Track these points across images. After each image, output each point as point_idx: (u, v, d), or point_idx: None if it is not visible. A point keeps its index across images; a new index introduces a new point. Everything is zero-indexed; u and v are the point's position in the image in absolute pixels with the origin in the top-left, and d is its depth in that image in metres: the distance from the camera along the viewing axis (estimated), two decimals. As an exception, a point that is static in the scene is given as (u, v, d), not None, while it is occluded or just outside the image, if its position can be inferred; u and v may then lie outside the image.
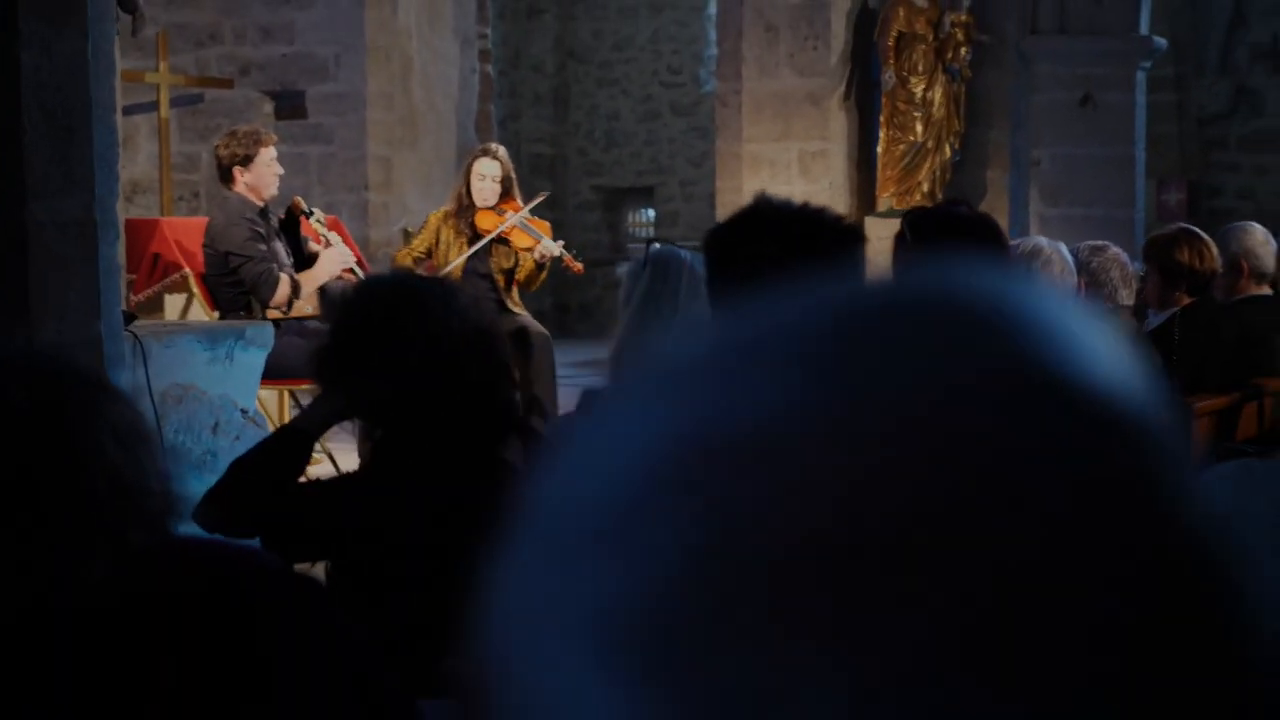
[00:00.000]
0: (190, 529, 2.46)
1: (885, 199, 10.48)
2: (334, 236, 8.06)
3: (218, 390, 6.07)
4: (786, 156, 10.71)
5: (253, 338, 6.58)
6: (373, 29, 12.81)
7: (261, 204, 7.75)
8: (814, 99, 10.70)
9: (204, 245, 7.82)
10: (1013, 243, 4.92)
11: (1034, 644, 0.39)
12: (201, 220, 8.48)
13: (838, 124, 10.75)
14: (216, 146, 7.87)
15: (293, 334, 7.27)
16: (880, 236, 6.84)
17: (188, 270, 7.98)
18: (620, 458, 0.43)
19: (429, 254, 8.25)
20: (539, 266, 8.27)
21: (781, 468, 0.40)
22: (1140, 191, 10.89)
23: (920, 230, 3.68)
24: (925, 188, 10.40)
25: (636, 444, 0.43)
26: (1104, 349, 0.43)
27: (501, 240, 8.23)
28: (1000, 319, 0.43)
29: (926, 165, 10.45)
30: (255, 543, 3.00)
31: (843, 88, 10.77)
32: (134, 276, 7.87)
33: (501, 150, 8.59)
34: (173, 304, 8.08)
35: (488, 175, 8.27)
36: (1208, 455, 5.13)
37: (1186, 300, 5.96)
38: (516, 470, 3.23)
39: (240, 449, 5.38)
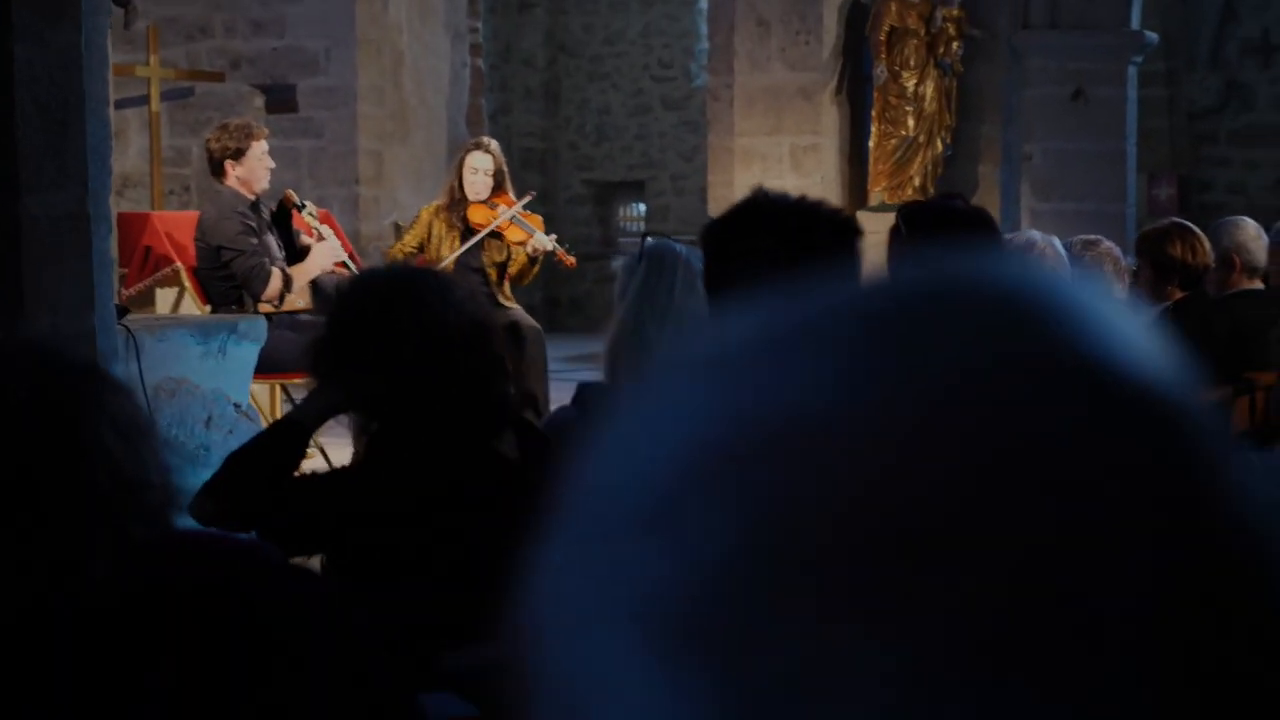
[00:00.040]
0: (186, 523, 2.46)
1: (877, 193, 10.48)
2: (326, 230, 8.05)
3: (210, 384, 6.07)
4: (778, 151, 10.70)
5: (245, 332, 6.58)
6: (363, 23, 12.80)
7: (253, 197, 7.74)
8: (806, 93, 10.70)
9: (195, 239, 7.81)
10: (1006, 237, 4.92)
11: (1076, 629, 0.39)
12: (193, 214, 8.46)
13: (829, 118, 10.75)
14: (208, 140, 7.86)
15: (284, 328, 7.26)
16: (872, 231, 6.82)
17: (179, 264, 7.97)
18: (664, 445, 0.43)
19: (421, 249, 8.23)
20: (531, 260, 8.26)
21: (824, 455, 0.40)
22: (1131, 186, 10.90)
23: (915, 224, 3.68)
24: (917, 182, 10.40)
25: (680, 432, 0.43)
26: (1136, 335, 0.43)
27: (494, 234, 8.22)
28: (1035, 307, 0.43)
29: (918, 160, 10.45)
30: (252, 536, 3.00)
31: (834, 82, 10.76)
32: (125, 270, 7.86)
33: (494, 144, 8.58)
34: (164, 298, 8.06)
35: (480, 169, 8.26)
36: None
37: (1179, 295, 5.98)
38: (512, 463, 3.23)
39: (233, 443, 5.38)
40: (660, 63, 19.22)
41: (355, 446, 6.42)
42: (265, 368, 6.94)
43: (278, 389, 7.78)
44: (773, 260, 2.42)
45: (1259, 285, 6.42)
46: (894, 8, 10.51)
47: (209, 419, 5.98)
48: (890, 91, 10.54)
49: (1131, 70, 10.82)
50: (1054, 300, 0.43)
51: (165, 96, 11.84)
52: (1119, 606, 0.39)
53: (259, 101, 12.84)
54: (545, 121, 19.33)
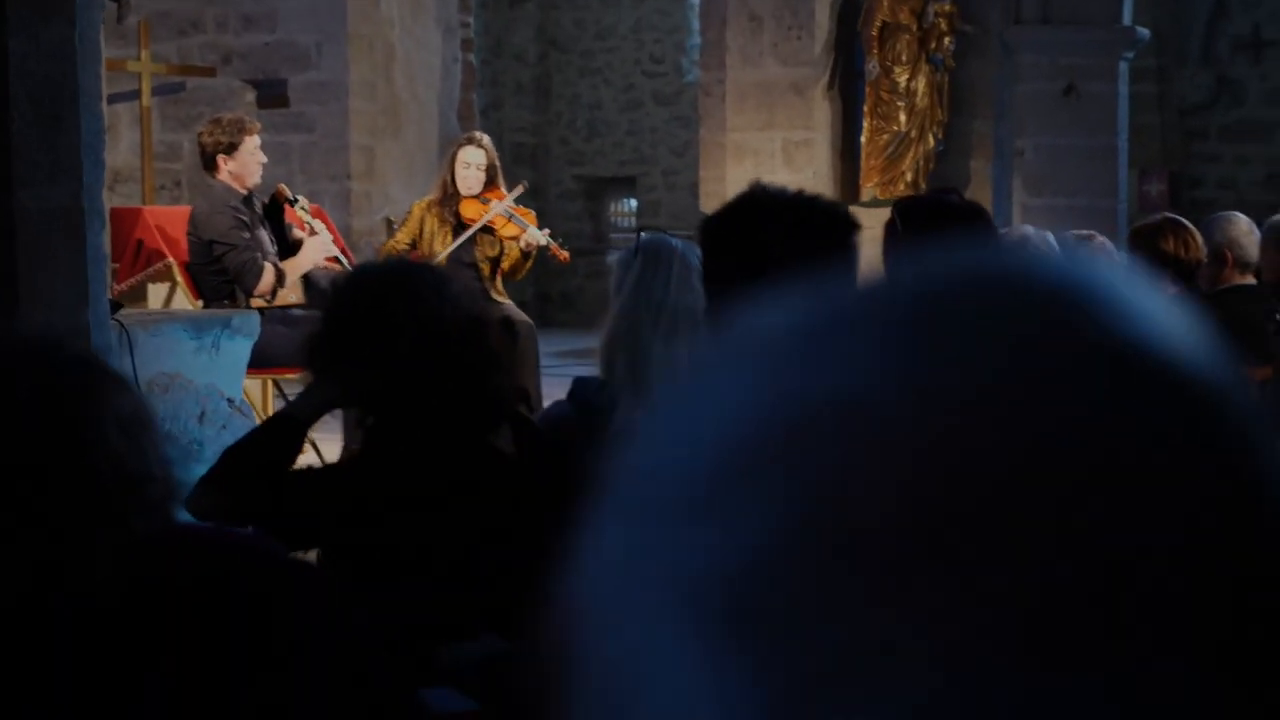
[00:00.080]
0: (183, 517, 2.45)
1: (869, 188, 10.49)
2: (319, 224, 8.04)
3: (204, 379, 6.06)
4: (770, 146, 10.71)
5: (239, 326, 6.57)
6: (355, 17, 12.79)
7: (245, 192, 7.73)
8: (798, 89, 10.70)
9: (187, 233, 7.80)
10: (999, 232, 4.93)
11: (1125, 612, 0.39)
12: (184, 209, 8.45)
13: (822, 114, 10.75)
14: (200, 134, 7.85)
15: (277, 323, 7.26)
16: (865, 226, 6.82)
17: (171, 259, 7.95)
18: (711, 430, 0.43)
19: (414, 245, 8.22)
20: (525, 255, 8.25)
21: (870, 440, 0.41)
22: (1123, 182, 10.91)
23: (911, 219, 3.68)
24: (909, 177, 10.41)
25: (727, 417, 0.43)
26: (1173, 320, 0.44)
27: (487, 229, 8.21)
28: (1075, 291, 0.43)
29: (910, 155, 10.46)
30: (251, 531, 3.00)
31: (826, 77, 10.77)
32: (116, 265, 7.85)
33: (486, 139, 8.57)
34: (155, 293, 8.05)
35: (473, 164, 8.25)
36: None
37: (1171, 289, 5.99)
38: (508, 458, 3.24)
39: (226, 438, 5.37)
40: (652, 58, 19.21)
41: (346, 441, 6.42)
42: (257, 363, 6.93)
43: (270, 384, 7.77)
44: (771, 254, 2.42)
45: (1251, 280, 6.43)
46: (886, 3, 10.51)
47: (202, 414, 5.97)
48: (882, 87, 10.54)
49: (1123, 66, 10.83)
50: (1093, 285, 0.43)
51: (156, 91, 11.82)
52: (1160, 588, 0.39)
53: (250, 96, 12.83)
54: (536, 117, 19.32)
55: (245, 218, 7.64)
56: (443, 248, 8.05)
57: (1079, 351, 0.42)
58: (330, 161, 12.72)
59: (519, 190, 8.47)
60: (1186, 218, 6.46)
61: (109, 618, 1.63)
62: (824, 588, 0.40)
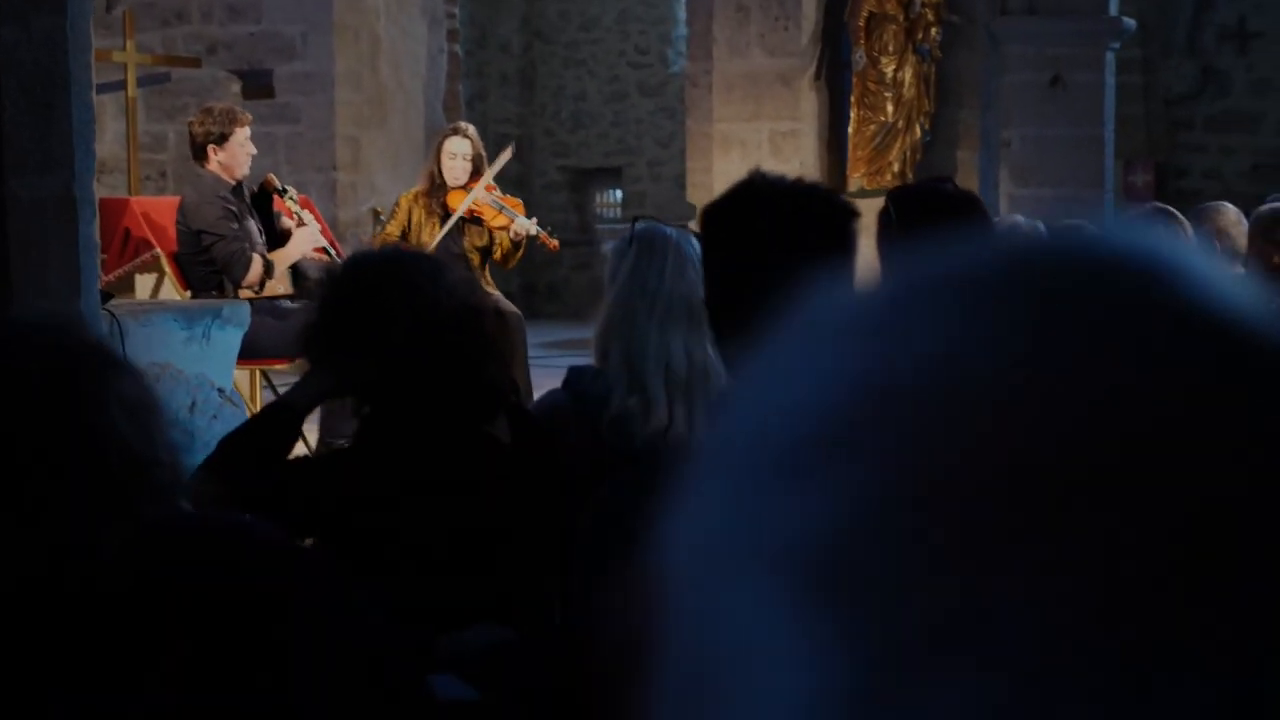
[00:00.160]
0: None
1: (856, 179, 10.48)
2: (307, 215, 8.04)
3: (194, 369, 6.06)
4: (757, 137, 10.70)
5: (229, 317, 6.57)
6: (340, 8, 12.77)
7: (234, 182, 7.72)
8: (785, 79, 10.69)
9: (176, 222, 7.78)
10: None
11: (1221, 577, 0.39)
12: (172, 199, 8.44)
13: (809, 104, 10.75)
14: (191, 123, 7.83)
15: (265, 314, 7.25)
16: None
17: (159, 250, 7.94)
18: (807, 394, 0.44)
19: (404, 236, 8.22)
20: (515, 245, 8.26)
21: (971, 406, 0.41)
22: (1109, 172, 10.94)
23: (905, 207, 3.69)
24: (896, 168, 10.41)
25: (822, 382, 0.44)
26: (1246, 295, 0.44)
27: (475, 219, 8.22)
28: (1163, 264, 0.44)
29: (897, 145, 10.46)
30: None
31: (813, 68, 10.76)
32: (104, 256, 7.83)
33: (471, 129, 8.57)
34: (143, 283, 8.04)
35: (458, 154, 8.25)
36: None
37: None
38: (504, 447, 3.24)
39: (217, 428, 5.37)
40: (637, 49, 19.20)
41: (322, 434, 6.41)
42: (246, 354, 6.93)
43: (258, 375, 7.77)
44: (770, 242, 2.42)
45: (1240, 270, 6.45)
46: (873, -7, 10.52)
47: (193, 404, 5.96)
48: (869, 77, 10.54)
49: (1109, 56, 10.85)
50: (1171, 257, 0.44)
51: (142, 82, 11.80)
52: (1255, 567, 0.39)
53: (236, 87, 12.81)
54: (521, 108, 19.30)
55: (234, 208, 7.63)
56: (430, 239, 8.05)
57: (1168, 320, 0.42)
58: (316, 152, 12.70)
59: (506, 155, 8.48)
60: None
61: (116, 603, 1.62)
62: (919, 555, 0.40)
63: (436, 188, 8.23)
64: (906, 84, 10.48)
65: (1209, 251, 0.46)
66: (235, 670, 1.64)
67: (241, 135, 7.69)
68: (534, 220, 8.33)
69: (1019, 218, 5.00)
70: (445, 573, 3.00)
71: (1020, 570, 0.39)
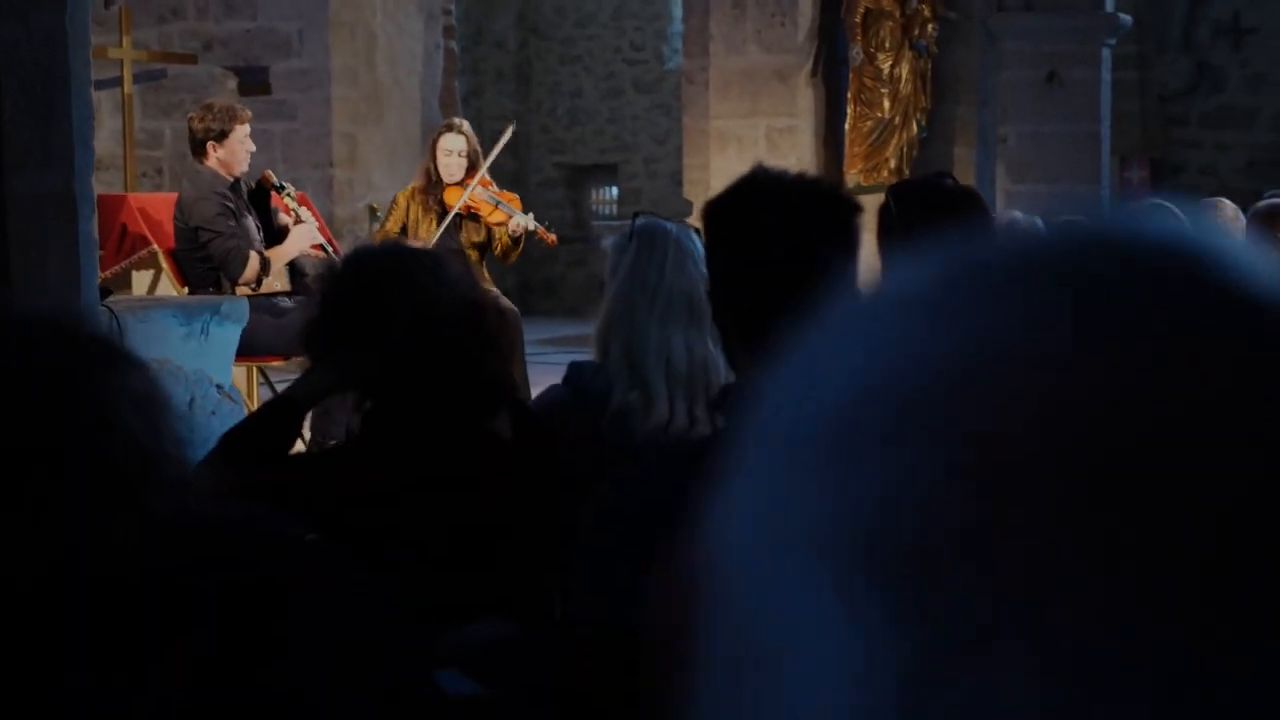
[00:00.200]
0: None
1: (853, 175, 10.48)
2: (305, 212, 8.04)
3: (193, 365, 6.05)
4: (754, 133, 10.70)
5: (228, 313, 6.57)
6: (336, 4, 12.76)
7: (232, 179, 7.72)
8: (781, 76, 10.69)
9: (174, 218, 7.78)
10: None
11: (1275, 564, 0.39)
12: (169, 195, 8.43)
13: (805, 101, 10.75)
14: (190, 119, 7.83)
15: (262, 311, 7.25)
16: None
17: (156, 247, 7.94)
18: (859, 377, 0.44)
19: (402, 233, 8.23)
20: (515, 241, 8.27)
21: (1031, 387, 0.41)
22: (1105, 168, 10.94)
23: (906, 203, 3.70)
24: (892, 164, 10.41)
25: (875, 364, 0.44)
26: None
27: (472, 215, 8.22)
28: (1207, 251, 0.44)
29: (894, 142, 10.46)
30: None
31: (810, 64, 10.76)
32: (102, 252, 7.83)
33: (465, 125, 8.58)
34: (140, 280, 8.04)
35: (454, 150, 8.25)
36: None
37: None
38: (506, 442, 3.24)
39: (216, 424, 5.37)
40: (632, 45, 19.20)
41: (313, 433, 6.41)
42: (242, 351, 6.93)
43: (254, 372, 7.77)
44: (773, 236, 2.42)
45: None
46: (869, -10, 10.52)
47: (191, 400, 5.96)
48: (865, 74, 10.54)
49: (1105, 52, 10.86)
50: (1215, 244, 0.44)
51: (138, 79, 11.79)
52: None
53: (232, 84, 12.80)
54: (517, 104, 19.29)
55: (231, 205, 7.63)
56: (428, 235, 8.05)
57: (1216, 302, 0.43)
58: (312, 149, 12.70)
59: (507, 136, 8.49)
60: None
61: (124, 596, 1.62)
62: (969, 538, 0.40)
63: (433, 184, 8.23)
64: (903, 80, 10.48)
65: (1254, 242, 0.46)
66: (243, 663, 1.64)
67: (241, 132, 7.69)
68: (530, 215, 8.34)
69: (1017, 213, 5.00)
70: (447, 568, 3.00)
71: (1072, 554, 0.39)
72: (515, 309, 8.10)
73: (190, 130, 7.76)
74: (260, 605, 1.67)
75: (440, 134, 8.46)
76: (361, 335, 3.10)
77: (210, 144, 7.63)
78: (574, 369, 3.59)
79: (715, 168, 10.62)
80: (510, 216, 8.20)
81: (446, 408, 3.12)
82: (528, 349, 8.41)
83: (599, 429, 3.44)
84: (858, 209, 2.53)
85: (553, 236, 8.60)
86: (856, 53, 10.57)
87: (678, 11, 16.27)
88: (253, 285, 7.60)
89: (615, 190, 19.54)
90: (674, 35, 17.99)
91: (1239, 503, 0.39)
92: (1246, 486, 0.40)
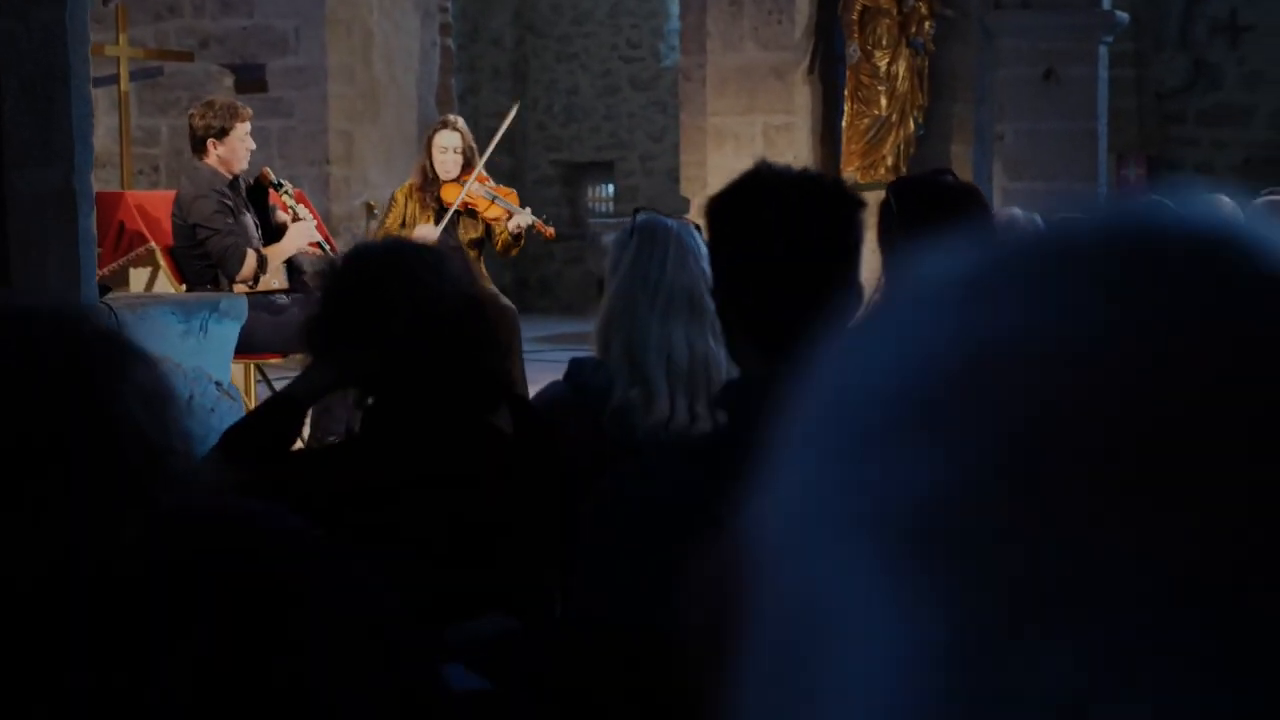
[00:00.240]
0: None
1: (850, 173, 10.47)
2: (303, 210, 8.04)
3: (192, 363, 6.05)
4: (751, 130, 10.70)
5: (227, 310, 6.57)
6: (333, 1, 12.77)
7: (231, 176, 7.72)
8: (778, 73, 10.69)
9: (172, 215, 7.78)
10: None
11: None
12: (166, 193, 8.43)
13: (802, 98, 10.75)
14: (191, 116, 7.82)
15: (259, 309, 7.25)
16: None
17: (154, 244, 7.94)
18: (907, 359, 0.44)
19: (402, 229, 8.23)
20: (515, 236, 8.27)
21: (1067, 372, 0.41)
22: (1103, 166, 10.95)
23: (906, 200, 3.70)
24: (889, 162, 10.41)
25: (922, 346, 0.44)
26: None
27: (469, 211, 8.22)
28: (1249, 238, 0.44)
29: (891, 139, 10.46)
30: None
31: (807, 61, 10.76)
32: (99, 250, 7.82)
33: (460, 121, 8.58)
34: (137, 277, 8.04)
35: (449, 147, 8.25)
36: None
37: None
38: (507, 438, 3.24)
39: (215, 422, 5.37)
40: (629, 43, 19.20)
41: (312, 430, 6.40)
42: (240, 348, 6.93)
43: (252, 369, 7.77)
44: (776, 231, 2.43)
45: None
46: (866, -13, 10.52)
47: (190, 398, 5.96)
48: (863, 71, 10.54)
49: (1102, 50, 10.86)
50: (1256, 232, 0.44)
51: (134, 76, 11.79)
52: None
53: (228, 81, 12.79)
54: (513, 102, 19.27)
55: (230, 202, 7.63)
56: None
57: (1262, 288, 0.43)
58: (309, 146, 12.70)
59: (511, 115, 8.50)
60: (1167, 201, 6.49)
61: (132, 591, 1.63)
62: (1015, 519, 0.40)
63: (429, 182, 8.23)
64: (900, 78, 10.49)
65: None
66: (251, 658, 1.65)
67: (242, 130, 7.69)
68: (528, 209, 8.34)
69: (1016, 210, 5.01)
70: (447, 565, 3.00)
71: (1118, 536, 0.39)
72: (513, 307, 8.10)
73: (191, 127, 7.76)
74: (267, 600, 1.67)
75: (435, 131, 8.46)
76: (363, 332, 3.10)
77: (211, 141, 7.63)
78: (575, 365, 3.59)
79: (712, 165, 10.62)
80: (508, 212, 8.21)
81: (447, 404, 3.12)
82: (524, 347, 8.41)
83: (600, 425, 3.44)
84: (861, 204, 2.53)
85: (550, 230, 8.61)
86: (853, 50, 10.57)
87: (674, 9, 16.26)
88: (250, 283, 7.60)
89: (611, 188, 19.54)
90: (670, 33, 17.98)
91: (1272, 477, 0.40)
92: (1266, 480, 0.40)
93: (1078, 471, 0.40)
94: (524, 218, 8.23)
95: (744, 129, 10.73)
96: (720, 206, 2.50)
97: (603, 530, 2.48)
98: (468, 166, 8.26)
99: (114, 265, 7.90)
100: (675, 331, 3.43)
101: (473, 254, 8.13)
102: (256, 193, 8.00)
